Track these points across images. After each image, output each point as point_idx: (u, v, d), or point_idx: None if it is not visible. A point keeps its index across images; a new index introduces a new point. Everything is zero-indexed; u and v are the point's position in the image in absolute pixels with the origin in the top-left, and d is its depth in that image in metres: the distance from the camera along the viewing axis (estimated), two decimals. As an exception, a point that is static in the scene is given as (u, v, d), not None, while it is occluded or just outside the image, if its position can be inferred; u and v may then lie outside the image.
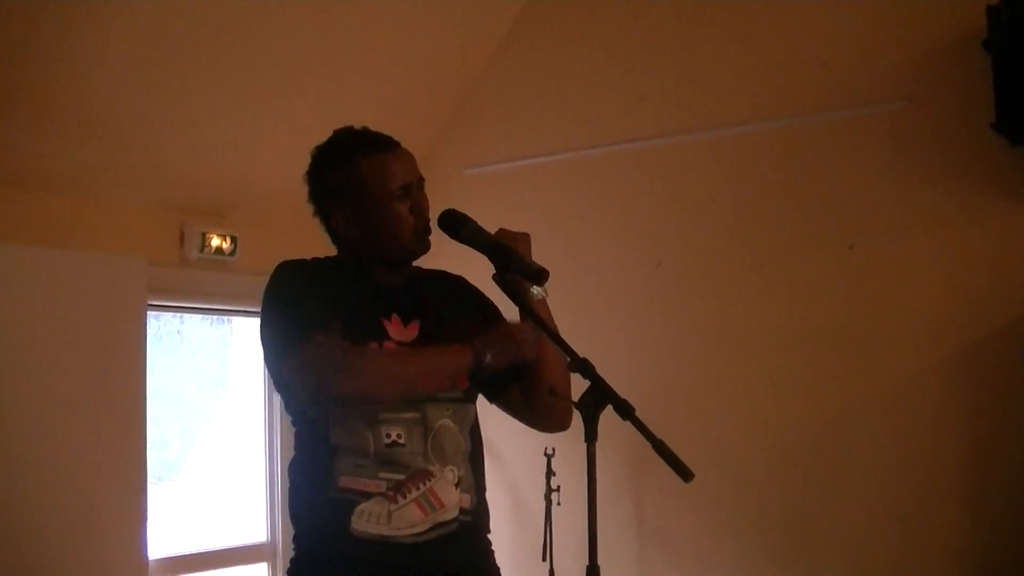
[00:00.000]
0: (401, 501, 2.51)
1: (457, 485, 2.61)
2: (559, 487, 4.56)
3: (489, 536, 2.79)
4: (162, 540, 4.66)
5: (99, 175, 4.36)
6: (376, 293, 2.65)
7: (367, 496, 2.49)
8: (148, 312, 4.58)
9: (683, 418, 4.58)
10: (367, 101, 4.86)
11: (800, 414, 4.49)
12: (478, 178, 5.17)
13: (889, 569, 4.23)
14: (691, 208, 4.82)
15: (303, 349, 2.39)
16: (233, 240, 4.81)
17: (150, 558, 4.48)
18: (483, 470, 2.74)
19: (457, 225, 2.59)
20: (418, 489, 2.54)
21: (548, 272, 2.52)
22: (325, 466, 2.51)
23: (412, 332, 2.64)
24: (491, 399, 2.80)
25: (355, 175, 2.59)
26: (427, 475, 2.55)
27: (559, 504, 4.56)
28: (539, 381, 2.68)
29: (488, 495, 4.80)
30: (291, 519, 2.64)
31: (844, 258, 4.43)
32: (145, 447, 4.48)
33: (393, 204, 2.58)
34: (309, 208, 2.71)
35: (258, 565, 5.12)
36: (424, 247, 2.65)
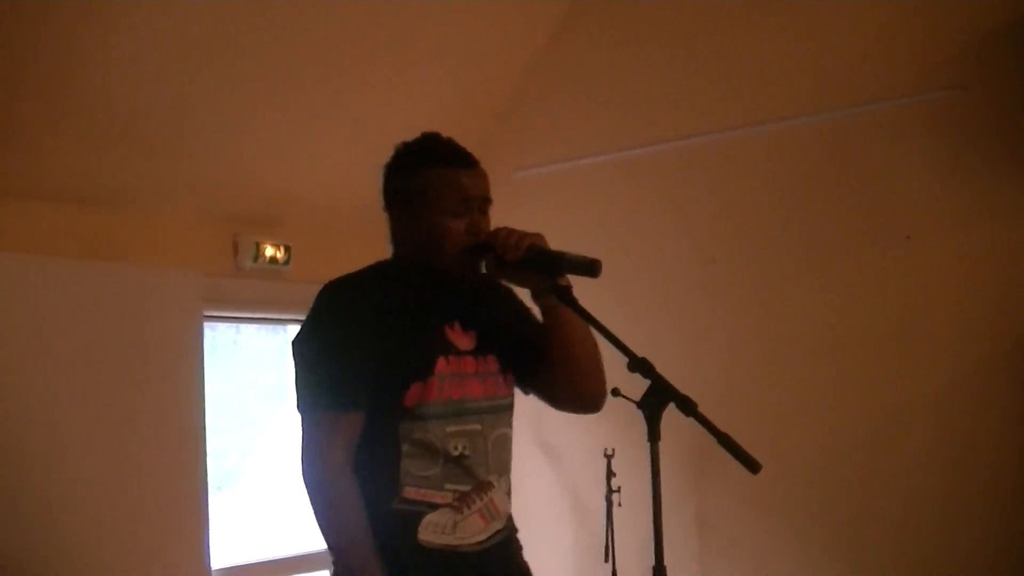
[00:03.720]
0: (466, 512, 2.56)
1: (507, 494, 2.69)
2: (619, 488, 4.54)
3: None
4: (223, 549, 4.68)
5: (153, 189, 4.39)
6: (436, 299, 2.65)
7: (434, 507, 2.52)
8: (204, 323, 4.61)
9: (740, 417, 4.44)
10: (416, 108, 4.85)
11: (859, 410, 4.43)
12: (527, 181, 5.16)
13: (952, 566, 4.17)
14: (742, 205, 4.78)
15: (319, 432, 2.52)
16: (287, 249, 4.83)
17: (212, 568, 4.51)
18: None
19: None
20: (481, 500, 2.58)
21: (599, 261, 2.48)
22: (391, 476, 2.53)
23: (471, 340, 2.66)
24: (524, 389, 2.81)
25: (419, 181, 2.60)
26: (488, 486, 2.61)
27: (620, 505, 4.54)
28: (570, 376, 2.69)
29: (549, 496, 4.84)
30: None
31: (898, 252, 4.38)
32: (205, 457, 4.51)
33: (447, 218, 2.57)
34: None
35: (319, 573, 5.13)
36: (470, 268, 2.62)
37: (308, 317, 2.60)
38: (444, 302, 2.65)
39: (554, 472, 5.08)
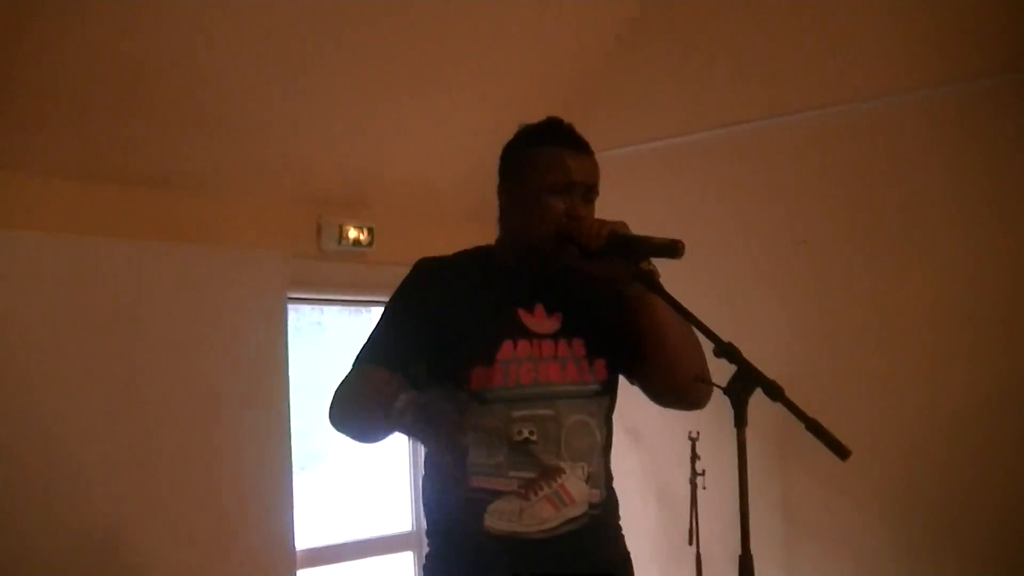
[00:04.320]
0: (532, 499, 2.52)
1: (588, 480, 2.61)
2: (704, 471, 4.51)
3: (620, 523, 2.77)
4: (309, 529, 4.73)
5: (238, 172, 4.43)
6: (519, 281, 2.64)
7: (498, 495, 2.51)
8: (288, 304, 4.65)
9: (831, 400, 4.42)
10: (500, 89, 4.84)
11: (951, 391, 4.32)
12: (611, 161, 5.09)
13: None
14: (834, 184, 4.67)
15: (345, 377, 2.57)
16: (370, 231, 4.85)
17: (297, 548, 4.56)
18: (609, 461, 2.73)
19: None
20: (549, 486, 2.54)
21: (682, 242, 2.42)
22: (457, 464, 2.51)
23: (554, 324, 2.62)
24: (630, 381, 2.74)
25: (530, 156, 2.59)
26: (558, 472, 2.55)
27: (704, 488, 4.51)
28: (662, 365, 2.61)
29: (633, 480, 4.80)
30: (425, 513, 2.70)
31: (993, 228, 4.26)
32: (289, 437, 4.56)
33: (549, 195, 2.55)
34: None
35: (403, 554, 5.16)
36: (560, 254, 2.57)
37: (398, 288, 2.66)
38: (526, 284, 2.63)
39: (638, 455, 5.05)
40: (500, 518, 2.51)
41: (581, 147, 2.61)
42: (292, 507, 4.54)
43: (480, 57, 4.81)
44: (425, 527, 2.72)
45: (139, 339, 4.14)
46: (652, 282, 2.47)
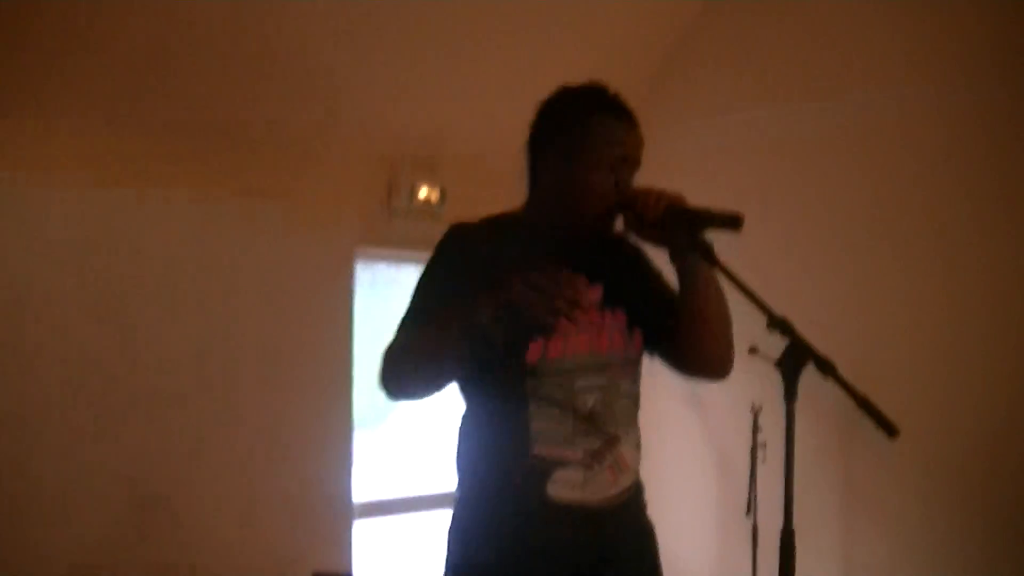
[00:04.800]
0: (596, 468, 2.53)
1: (637, 447, 2.65)
2: (765, 443, 4.50)
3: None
4: (368, 483, 4.81)
5: (312, 130, 4.46)
6: (562, 252, 2.58)
7: (564, 464, 2.50)
8: (358, 261, 4.68)
9: (895, 376, 4.44)
10: (576, 52, 4.82)
11: (1013, 370, 4.24)
12: (683, 133, 5.08)
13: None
14: (913, 160, 4.57)
15: (390, 343, 2.47)
16: (441, 192, 4.86)
17: (355, 500, 4.63)
18: None
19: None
20: (611, 455, 2.55)
21: (742, 214, 2.42)
22: (521, 430, 2.50)
23: (597, 294, 2.61)
24: (650, 352, 2.73)
25: (582, 127, 2.53)
26: (617, 440, 2.57)
27: (764, 461, 4.50)
28: (698, 338, 2.61)
29: (694, 449, 4.81)
30: (472, 475, 2.63)
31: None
32: (351, 392, 4.61)
33: (600, 172, 2.51)
34: (521, 159, 2.69)
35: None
36: (607, 227, 2.57)
37: (431, 255, 2.59)
38: (570, 256, 2.57)
39: (701, 425, 5.06)
40: (564, 487, 2.50)
41: (632, 119, 2.57)
42: (351, 460, 4.63)
43: (557, 18, 4.79)
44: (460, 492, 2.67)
45: (209, 291, 4.21)
46: (711, 254, 2.48)
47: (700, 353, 2.65)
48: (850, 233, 4.73)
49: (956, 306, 4.42)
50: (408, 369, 2.45)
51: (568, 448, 2.51)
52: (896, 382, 4.40)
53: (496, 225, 2.63)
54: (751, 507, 4.52)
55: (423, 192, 4.81)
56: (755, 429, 4.52)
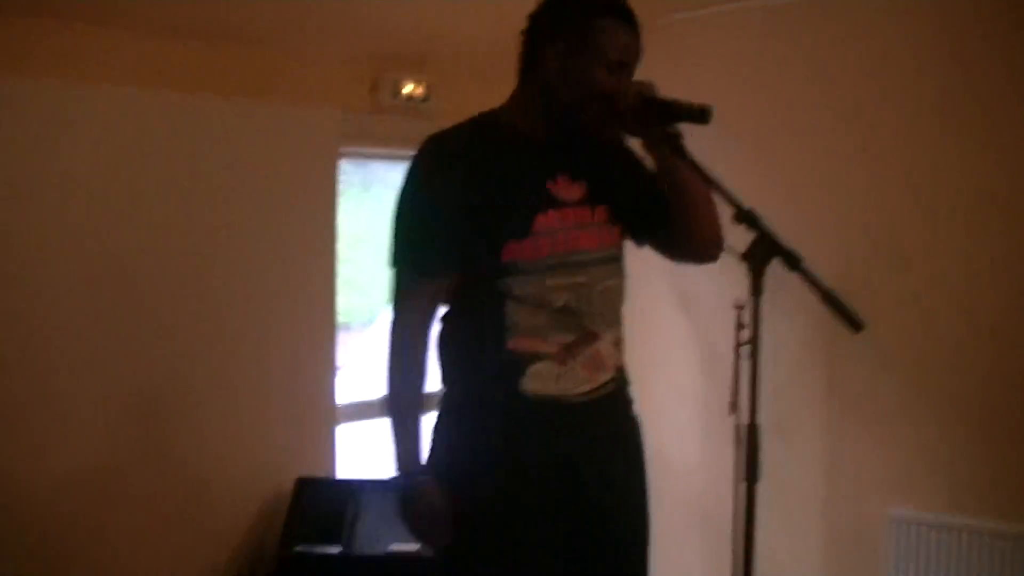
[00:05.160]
0: (570, 363, 2.58)
1: (616, 344, 2.70)
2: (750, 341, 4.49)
3: (629, 390, 2.83)
4: (353, 385, 4.82)
5: (294, 25, 4.38)
6: (540, 151, 2.63)
7: (539, 357, 2.55)
8: (342, 159, 4.64)
9: (884, 280, 4.44)
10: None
11: (999, 276, 4.21)
12: (673, 26, 5.00)
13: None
14: (902, 59, 4.45)
15: (404, 295, 2.64)
16: (427, 87, 4.79)
17: (339, 404, 4.66)
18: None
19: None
20: (586, 351, 2.60)
21: (711, 107, 2.44)
22: (496, 326, 2.56)
23: (580, 191, 2.64)
24: (638, 243, 2.82)
25: (589, 25, 2.53)
26: (594, 337, 2.61)
27: (748, 358, 4.50)
28: (686, 228, 2.68)
29: (678, 347, 4.83)
30: (452, 372, 2.70)
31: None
32: (335, 294, 4.62)
33: (605, 71, 2.53)
34: (508, 53, 2.69)
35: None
36: (599, 126, 2.60)
37: (406, 170, 2.64)
38: (549, 154, 2.63)
39: (688, 324, 5.06)
40: (538, 380, 2.56)
41: (636, 25, 2.59)
42: (335, 363, 4.62)
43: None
44: (443, 390, 2.72)
45: (189, 191, 4.17)
46: (678, 145, 2.50)
47: (687, 237, 2.70)
48: (851, 129, 4.63)
49: (930, 201, 4.39)
50: (388, 372, 2.66)
51: (542, 342, 2.56)
52: (893, 285, 4.43)
53: (474, 129, 2.67)
54: (735, 405, 4.54)
55: (408, 88, 4.74)
56: (738, 327, 4.52)
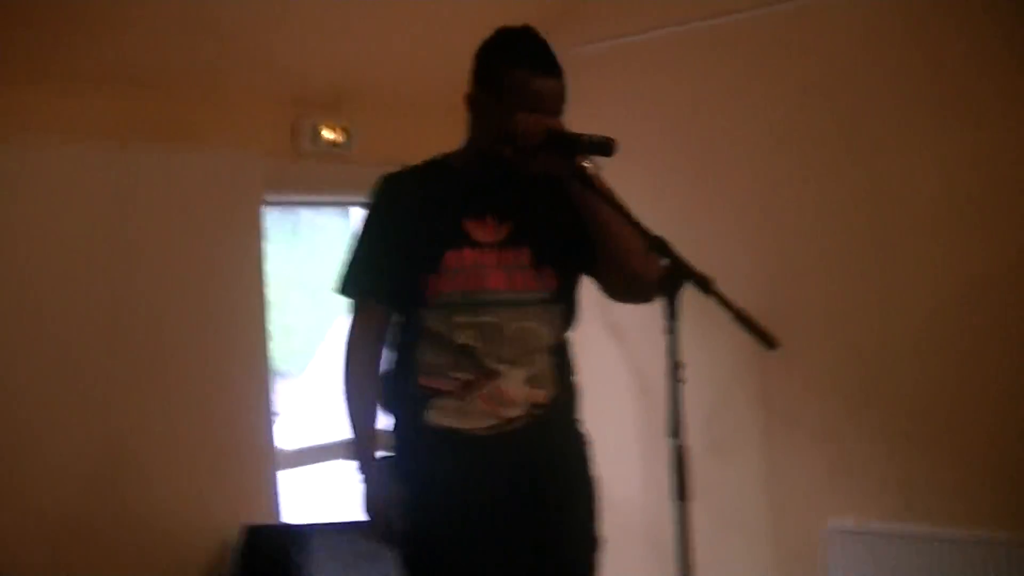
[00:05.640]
0: (468, 399, 2.69)
1: (530, 382, 2.75)
2: (684, 364, 4.52)
3: (575, 417, 2.92)
4: (292, 432, 4.81)
5: (211, 71, 4.37)
6: (473, 192, 2.76)
7: (439, 394, 2.70)
8: (265, 206, 4.62)
9: (812, 301, 4.55)
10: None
11: (922, 289, 4.33)
12: (589, 57, 5.02)
13: (1018, 446, 4.09)
14: (821, 79, 4.56)
15: (352, 318, 2.88)
16: (345, 131, 4.78)
17: (277, 448, 4.63)
18: (568, 361, 2.88)
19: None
20: (485, 388, 2.69)
21: (615, 140, 2.50)
22: (409, 363, 2.77)
23: (503, 233, 2.75)
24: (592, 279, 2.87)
25: (506, 76, 2.66)
26: (495, 374, 2.70)
27: (684, 381, 4.53)
28: (612, 261, 2.72)
29: (611, 373, 4.86)
30: (384, 400, 2.89)
31: (966, 132, 4.19)
32: (266, 341, 4.58)
33: (528, 115, 2.62)
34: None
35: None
36: (530, 168, 2.66)
37: (367, 207, 2.87)
38: (478, 195, 2.75)
39: (616, 349, 5.09)
40: (440, 413, 2.71)
41: (554, 70, 2.68)
42: (271, 409, 4.59)
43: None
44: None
45: (115, 243, 4.13)
46: (586, 178, 2.55)
47: (614, 273, 2.76)
48: (772, 156, 4.72)
49: (851, 218, 4.49)
50: (345, 397, 2.88)
51: (442, 379, 2.71)
52: (820, 304, 4.50)
53: (420, 170, 2.87)
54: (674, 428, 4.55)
55: (327, 133, 4.74)
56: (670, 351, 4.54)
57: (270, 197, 4.66)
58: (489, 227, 2.73)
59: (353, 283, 2.85)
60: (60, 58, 3.90)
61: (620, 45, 5.08)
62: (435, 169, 2.86)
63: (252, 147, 4.54)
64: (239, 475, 4.44)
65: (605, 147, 2.51)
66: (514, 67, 2.65)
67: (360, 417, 2.83)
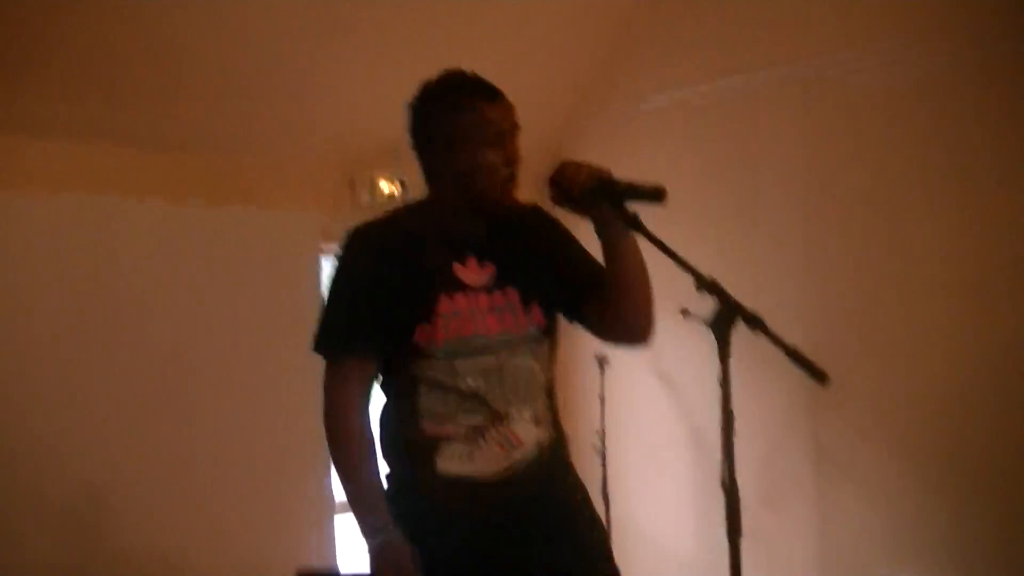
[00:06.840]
0: (481, 443, 2.65)
1: (534, 422, 2.73)
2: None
3: (570, 459, 2.88)
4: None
5: (270, 135, 4.48)
6: (453, 235, 2.72)
7: (448, 440, 2.64)
8: (324, 255, 4.71)
9: (867, 347, 4.52)
10: (528, 38, 4.81)
11: (983, 340, 4.25)
12: (644, 112, 5.06)
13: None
14: (871, 134, 4.57)
15: (330, 375, 2.71)
16: (402, 183, 4.87)
17: (336, 499, 4.68)
18: (555, 402, 2.84)
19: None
20: (497, 431, 2.66)
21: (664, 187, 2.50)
22: (410, 412, 2.67)
23: (487, 274, 2.73)
24: (570, 320, 2.85)
25: (453, 120, 2.63)
26: (505, 417, 2.67)
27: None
28: (627, 305, 2.71)
29: (664, 422, 4.81)
30: (383, 452, 2.76)
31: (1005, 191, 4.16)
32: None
33: (484, 152, 2.62)
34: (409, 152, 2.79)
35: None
36: (508, 199, 2.69)
37: (337, 259, 2.76)
38: (458, 238, 2.72)
39: (669, 398, 5.09)
40: (451, 460, 2.64)
41: (495, 94, 2.67)
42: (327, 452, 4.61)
43: (507, 9, 4.80)
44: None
45: (174, 302, 4.24)
46: (638, 224, 2.55)
47: (625, 321, 2.75)
48: (813, 212, 4.74)
49: (909, 265, 4.47)
50: (332, 452, 2.72)
51: (450, 425, 2.64)
52: (875, 350, 4.50)
53: (394, 218, 2.82)
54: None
55: (384, 186, 4.82)
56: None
57: (327, 247, 4.73)
58: (473, 269, 2.71)
59: (338, 338, 2.72)
60: (121, 119, 4.04)
61: (673, 99, 5.10)
62: (408, 218, 2.80)
63: (311, 204, 4.63)
64: (295, 521, 4.50)
65: (657, 195, 2.51)
66: (461, 107, 2.64)
67: (365, 481, 2.67)
